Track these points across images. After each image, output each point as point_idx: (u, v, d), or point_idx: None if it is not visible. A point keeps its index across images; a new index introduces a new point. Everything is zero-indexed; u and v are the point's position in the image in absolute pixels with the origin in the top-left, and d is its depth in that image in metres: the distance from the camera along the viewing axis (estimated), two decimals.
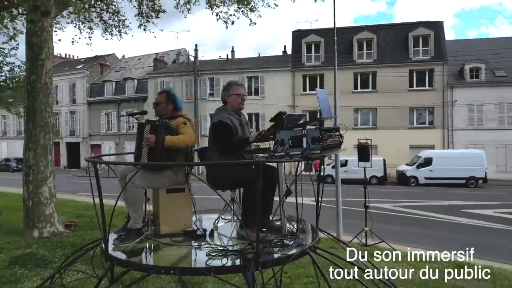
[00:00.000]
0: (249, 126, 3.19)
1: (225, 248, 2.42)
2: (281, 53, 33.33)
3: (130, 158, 3.36)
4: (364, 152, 8.64)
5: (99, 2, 13.03)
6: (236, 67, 30.62)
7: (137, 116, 3.13)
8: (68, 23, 13.90)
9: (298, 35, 29.25)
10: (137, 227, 2.83)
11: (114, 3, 13.17)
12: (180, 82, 31.68)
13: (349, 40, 27.55)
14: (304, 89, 28.26)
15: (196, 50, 30.90)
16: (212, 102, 29.28)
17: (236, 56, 34.65)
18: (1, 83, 12.30)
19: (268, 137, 2.79)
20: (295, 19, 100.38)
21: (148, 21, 12.98)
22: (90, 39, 17.15)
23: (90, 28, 13.70)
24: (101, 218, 2.46)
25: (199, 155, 3.20)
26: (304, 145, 2.36)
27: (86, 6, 13.09)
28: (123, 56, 42.52)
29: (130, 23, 15.76)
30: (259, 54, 35.44)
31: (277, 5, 12.45)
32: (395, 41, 27.43)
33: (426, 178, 22.22)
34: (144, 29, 13.14)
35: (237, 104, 3.07)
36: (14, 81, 12.48)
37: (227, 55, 34.89)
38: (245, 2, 12.06)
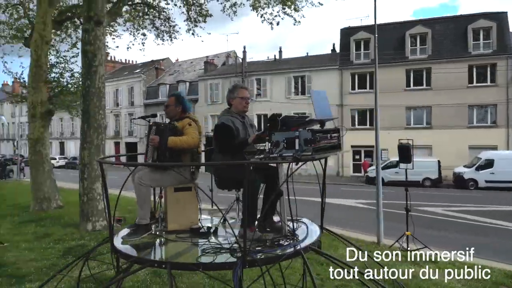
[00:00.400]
0: (254, 128, 3.26)
1: (219, 246, 2.52)
2: (329, 52, 32.76)
3: (140, 158, 3.60)
4: (405, 152, 8.29)
5: (151, 10, 13.88)
6: (283, 67, 30.61)
7: (148, 118, 3.36)
8: (124, 30, 14.98)
9: (347, 33, 28.55)
10: (144, 223, 3.03)
11: (165, 10, 13.96)
12: (229, 83, 32.36)
13: (402, 36, 26.38)
14: (353, 88, 27.51)
15: (244, 51, 31.44)
16: (259, 102, 29.53)
17: (285, 56, 34.73)
18: (63, 88, 13.48)
19: (265, 139, 2.85)
20: (346, 17, 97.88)
21: (196, 26, 13.57)
22: (143, 45, 18.37)
23: (144, 34, 14.66)
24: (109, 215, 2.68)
25: (207, 155, 3.34)
26: (297, 147, 2.39)
27: (140, 14, 14.01)
28: (177, 60, 44.46)
29: (179, 28, 16.62)
30: (307, 53, 35.08)
31: (321, 4, 12.35)
32: (453, 34, 25.68)
33: (486, 181, 20.57)
34: (193, 34, 13.77)
35: (241, 107, 3.18)
36: (75, 86, 13.63)
37: (274, 56, 35.06)
38: (289, 3, 12.12)
